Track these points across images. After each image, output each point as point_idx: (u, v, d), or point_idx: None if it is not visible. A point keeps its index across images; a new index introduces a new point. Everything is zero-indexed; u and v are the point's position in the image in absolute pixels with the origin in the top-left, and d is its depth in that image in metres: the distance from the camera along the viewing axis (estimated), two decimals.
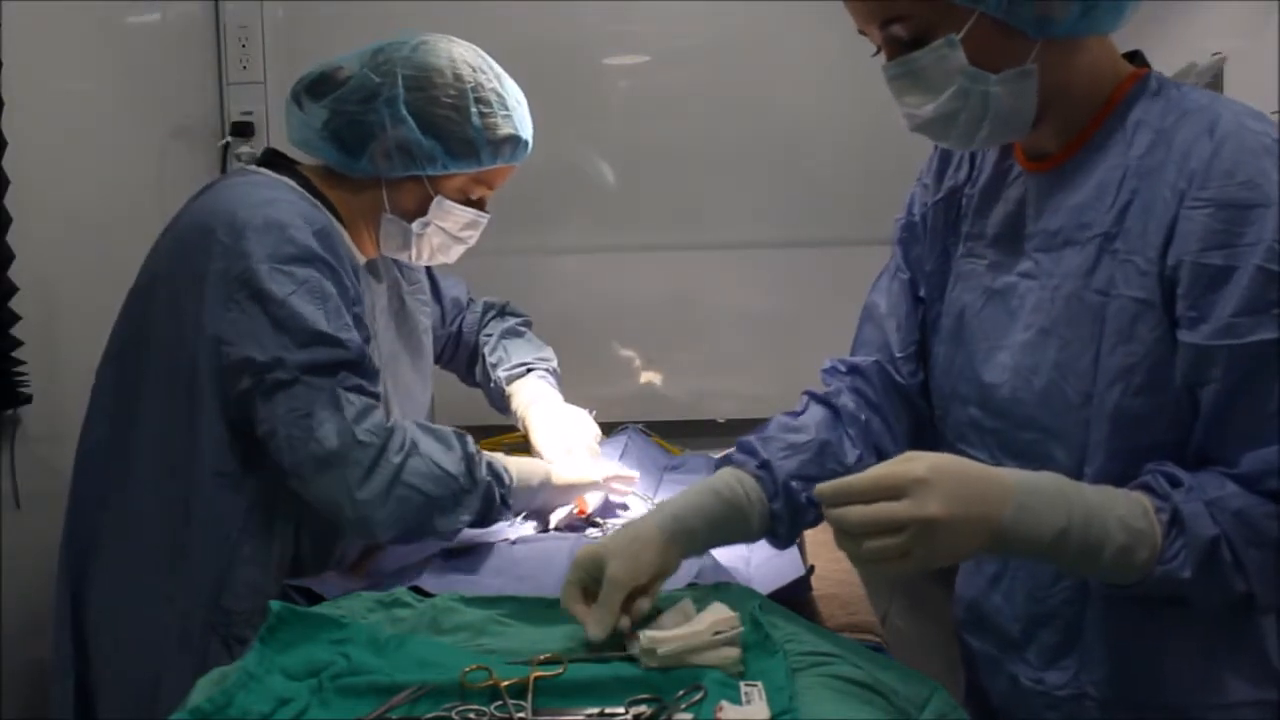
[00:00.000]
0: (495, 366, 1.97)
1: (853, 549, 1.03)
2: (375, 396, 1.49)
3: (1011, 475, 1.06)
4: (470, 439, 1.56)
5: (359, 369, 1.47)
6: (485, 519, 1.55)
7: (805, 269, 2.45)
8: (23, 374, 1.71)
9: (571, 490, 1.70)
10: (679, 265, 2.46)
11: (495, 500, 1.55)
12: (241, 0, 2.44)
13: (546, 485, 1.65)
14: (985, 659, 1.31)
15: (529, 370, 1.95)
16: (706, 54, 2.46)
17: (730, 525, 1.26)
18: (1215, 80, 1.86)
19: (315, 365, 1.44)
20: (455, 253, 1.73)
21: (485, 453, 1.59)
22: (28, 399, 1.72)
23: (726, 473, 1.29)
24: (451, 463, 1.50)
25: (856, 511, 1.01)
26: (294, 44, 2.47)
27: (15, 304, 1.69)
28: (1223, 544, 1.02)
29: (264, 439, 1.46)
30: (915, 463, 1.01)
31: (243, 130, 2.44)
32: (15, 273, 1.68)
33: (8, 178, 1.65)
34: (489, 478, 1.54)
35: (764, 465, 1.29)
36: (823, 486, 1.04)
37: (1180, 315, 1.06)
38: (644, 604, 1.17)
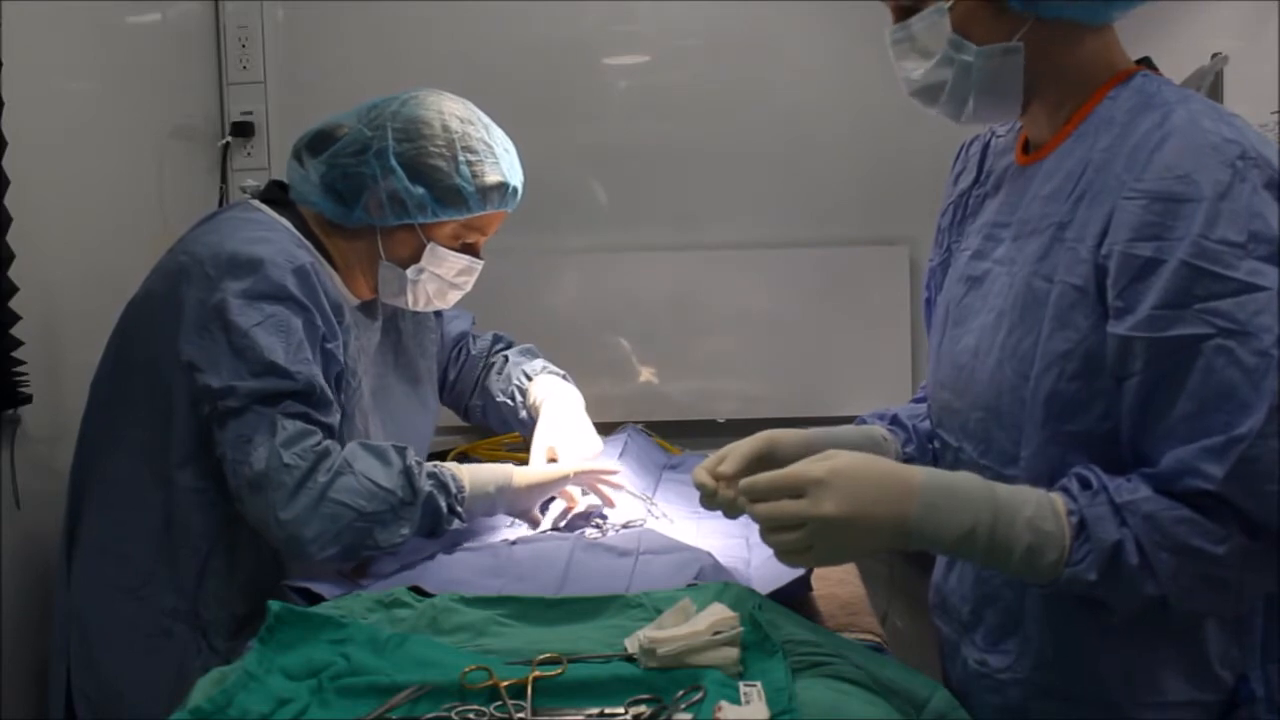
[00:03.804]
0: (520, 363, 2.01)
1: (764, 540, 1.10)
2: (321, 424, 1.52)
3: (920, 474, 1.08)
4: (411, 452, 1.57)
5: (307, 398, 1.51)
6: (434, 530, 1.57)
7: (805, 269, 2.44)
8: (23, 374, 1.70)
9: (537, 490, 1.70)
10: (679, 265, 2.46)
11: (440, 510, 1.56)
12: (241, 0, 2.44)
13: (506, 489, 1.65)
14: (947, 642, 1.33)
15: (564, 378, 1.99)
16: (706, 54, 2.45)
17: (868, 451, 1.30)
18: (1215, 80, 1.86)
19: (264, 394, 1.49)
20: (452, 298, 1.78)
21: (433, 464, 1.60)
22: (28, 399, 1.72)
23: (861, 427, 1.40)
24: (388, 478, 1.52)
25: (762, 508, 1.09)
26: (294, 44, 2.47)
27: (15, 304, 1.69)
28: (1128, 548, 1.02)
29: (219, 463, 1.52)
30: (819, 463, 1.08)
31: (243, 130, 2.44)
32: (15, 273, 1.68)
33: (8, 178, 1.65)
34: (430, 487, 1.55)
35: (894, 420, 1.40)
36: (745, 480, 1.10)
37: (1110, 305, 1.06)
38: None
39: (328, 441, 1.52)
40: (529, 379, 1.98)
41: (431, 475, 1.57)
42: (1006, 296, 1.18)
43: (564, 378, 2.00)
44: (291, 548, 1.48)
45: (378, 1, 2.42)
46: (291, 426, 1.49)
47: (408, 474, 1.54)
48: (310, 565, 1.50)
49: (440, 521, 1.57)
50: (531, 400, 1.95)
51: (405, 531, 1.52)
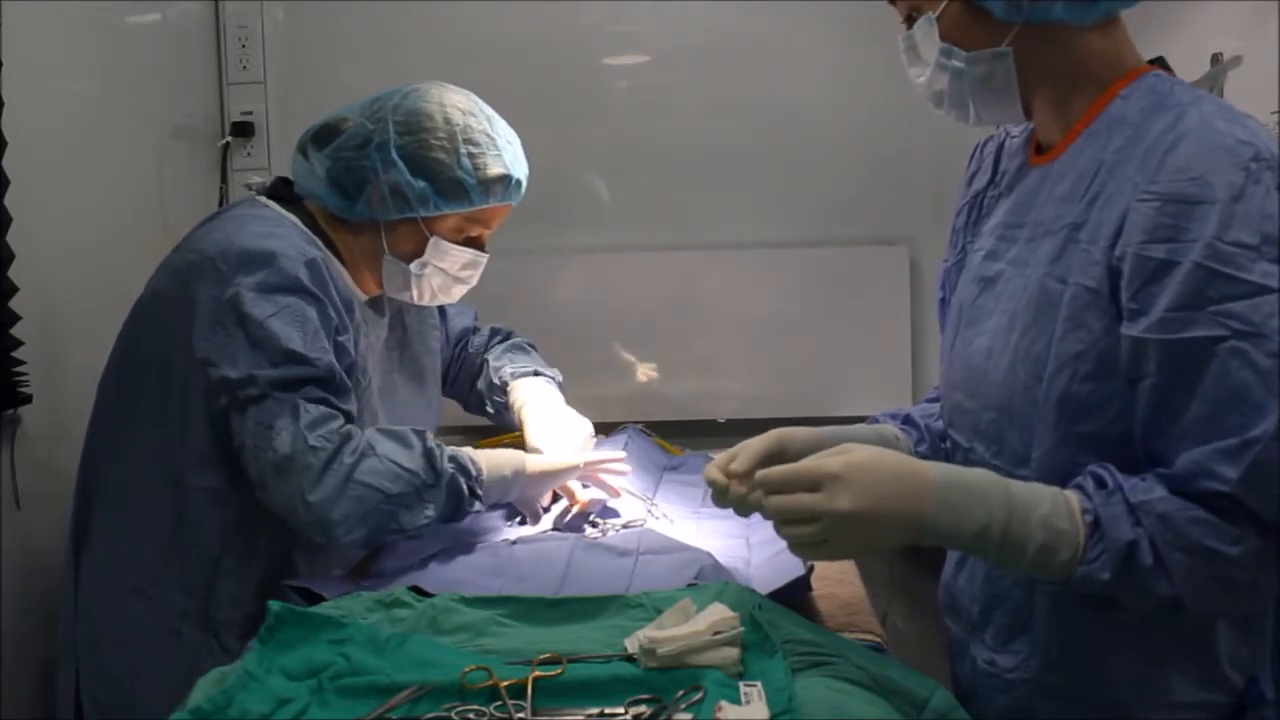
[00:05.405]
0: (499, 369, 2.00)
1: (779, 533, 1.10)
2: (341, 411, 1.52)
3: (935, 470, 1.08)
4: (429, 435, 1.58)
5: (327, 385, 1.52)
6: (456, 512, 1.57)
7: (805, 269, 2.44)
8: (23, 374, 1.71)
9: (549, 478, 1.70)
10: (679, 265, 2.46)
11: (463, 492, 1.57)
12: (241, 0, 2.44)
13: (520, 474, 1.65)
14: (956, 642, 1.33)
15: (536, 374, 1.98)
16: (706, 54, 2.45)
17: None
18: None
19: (284, 381, 1.49)
20: (457, 292, 1.77)
21: (450, 447, 1.60)
22: (28, 399, 1.72)
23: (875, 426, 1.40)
24: (411, 460, 1.53)
25: (776, 500, 1.08)
26: (294, 44, 2.47)
27: (15, 304, 1.69)
28: (1142, 548, 1.02)
29: (238, 453, 1.51)
30: (836, 457, 1.07)
31: (243, 130, 2.44)
32: (15, 273, 1.68)
33: (8, 178, 1.65)
34: (452, 469, 1.56)
35: (907, 420, 1.40)
36: (761, 472, 1.10)
37: (1123, 307, 1.06)
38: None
39: (350, 425, 1.52)
40: (511, 379, 1.97)
41: (452, 458, 1.57)
42: (1020, 298, 1.18)
43: (536, 373, 1.98)
44: (318, 531, 1.49)
45: (378, 1, 2.43)
46: (315, 410, 1.49)
47: (429, 456, 1.54)
48: (327, 553, 1.50)
49: (462, 504, 1.57)
50: (514, 409, 1.95)
51: (430, 514, 1.53)
